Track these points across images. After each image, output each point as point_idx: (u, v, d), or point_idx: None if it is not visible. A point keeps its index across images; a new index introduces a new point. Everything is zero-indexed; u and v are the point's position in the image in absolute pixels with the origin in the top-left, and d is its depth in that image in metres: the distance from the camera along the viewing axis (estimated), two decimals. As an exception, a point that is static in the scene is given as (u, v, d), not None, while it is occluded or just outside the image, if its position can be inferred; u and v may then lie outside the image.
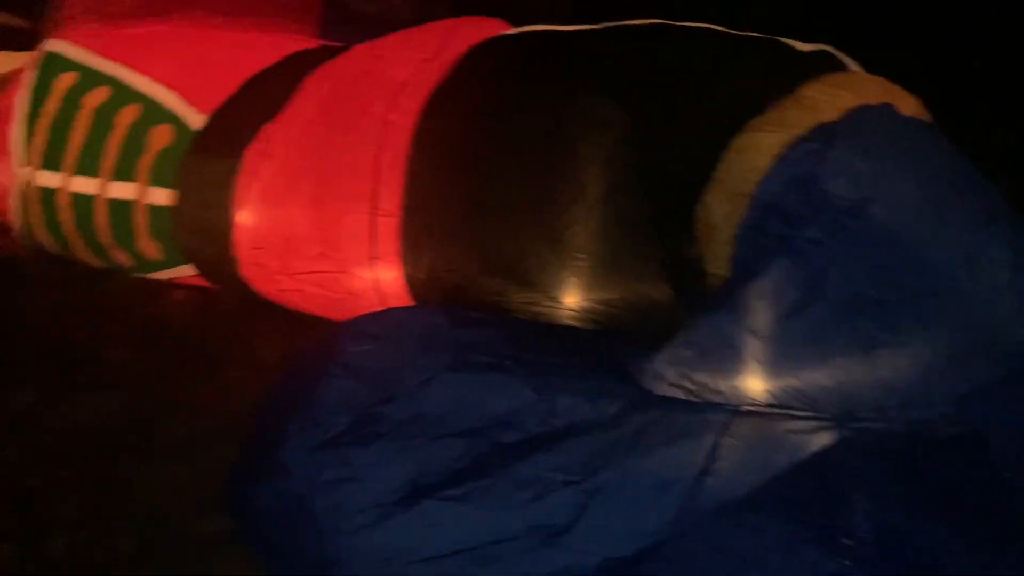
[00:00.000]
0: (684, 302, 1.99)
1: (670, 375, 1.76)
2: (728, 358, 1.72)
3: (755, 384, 1.71)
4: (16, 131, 2.57)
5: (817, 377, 1.69)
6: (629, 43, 2.20)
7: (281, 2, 2.96)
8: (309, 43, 2.68)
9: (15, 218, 2.65)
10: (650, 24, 2.22)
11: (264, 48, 2.59)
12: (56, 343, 2.56)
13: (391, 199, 2.18)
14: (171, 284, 2.69)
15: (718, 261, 1.94)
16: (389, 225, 2.18)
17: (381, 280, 2.22)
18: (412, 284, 2.21)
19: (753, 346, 1.71)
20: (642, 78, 2.12)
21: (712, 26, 2.20)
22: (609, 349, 1.96)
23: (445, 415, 1.79)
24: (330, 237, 2.21)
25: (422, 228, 2.18)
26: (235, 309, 2.63)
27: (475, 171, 2.18)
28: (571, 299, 2.06)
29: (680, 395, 1.75)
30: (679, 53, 2.15)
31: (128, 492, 2.14)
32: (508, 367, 1.84)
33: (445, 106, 2.22)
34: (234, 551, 1.94)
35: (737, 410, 1.70)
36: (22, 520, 2.07)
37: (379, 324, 2.14)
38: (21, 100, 2.59)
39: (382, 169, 2.19)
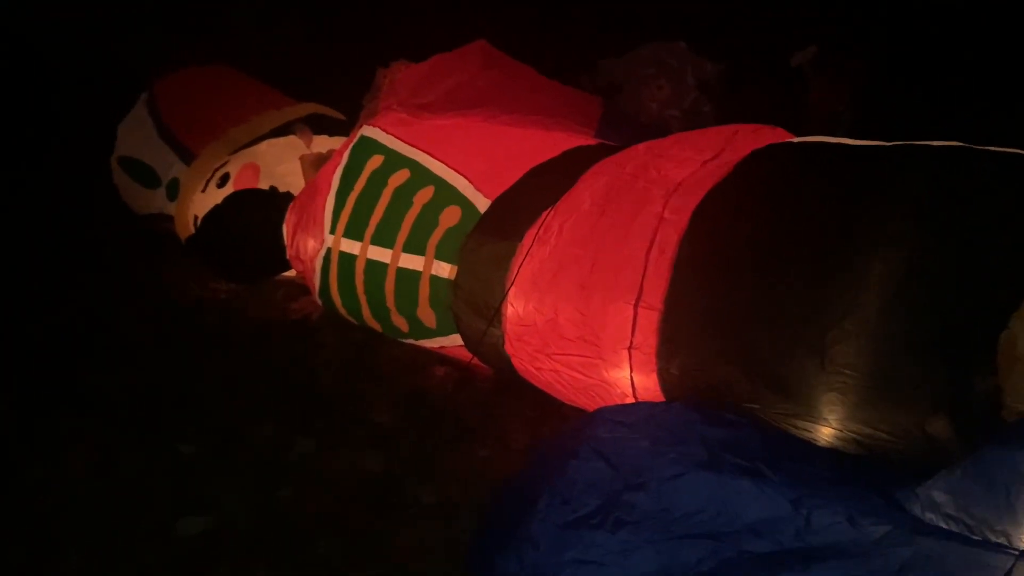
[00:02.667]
0: (965, 439, 1.77)
1: (947, 506, 1.61)
2: (1018, 496, 1.56)
3: (1045, 531, 1.53)
4: (329, 202, 2.95)
5: None
6: (926, 162, 2.07)
7: (566, 105, 3.21)
8: (587, 141, 2.85)
9: (316, 279, 3.01)
10: (949, 146, 2.08)
11: (546, 143, 2.78)
12: (334, 399, 2.86)
13: (654, 293, 2.21)
14: (433, 359, 2.91)
15: (1020, 395, 1.75)
16: (650, 318, 2.20)
17: (636, 371, 2.23)
18: (664, 379, 2.20)
19: (1050, 490, 1.54)
20: (941, 198, 1.98)
21: (1021, 151, 2.02)
22: (871, 471, 1.84)
23: (693, 513, 1.75)
24: (592, 323, 2.27)
25: (681, 325, 2.18)
26: (488, 390, 2.84)
27: (742, 274, 2.14)
28: (833, 417, 1.92)
29: (954, 528, 1.60)
30: (985, 176, 2.00)
31: (378, 544, 2.29)
32: (763, 473, 1.78)
33: (719, 207, 2.23)
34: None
35: (1022, 555, 1.53)
36: (287, 554, 2.27)
37: (630, 414, 2.15)
38: (336, 176, 2.97)
39: (649, 263, 2.23)
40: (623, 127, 3.26)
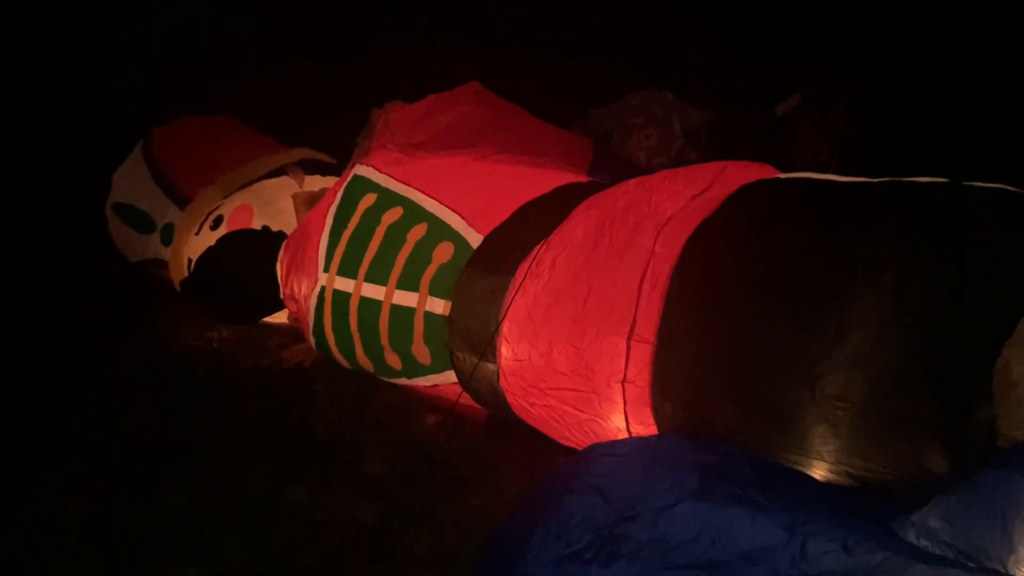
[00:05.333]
0: (963, 471, 1.73)
1: (942, 532, 1.60)
2: (1014, 523, 1.55)
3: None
4: (323, 241, 2.96)
5: None
6: (912, 196, 2.10)
7: (558, 146, 3.26)
8: (578, 178, 2.88)
9: (310, 318, 3.01)
10: (934, 181, 2.11)
11: (538, 180, 2.82)
12: (327, 448, 2.85)
13: (647, 326, 2.21)
14: (426, 406, 2.91)
15: (1014, 422, 1.75)
16: (643, 351, 2.20)
17: (630, 405, 2.23)
18: (658, 412, 2.20)
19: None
20: (927, 229, 2.00)
21: (1005, 187, 2.04)
22: (865, 499, 1.82)
23: (688, 543, 1.74)
24: (586, 357, 2.27)
25: (673, 359, 2.18)
26: (480, 437, 2.83)
27: (733, 307, 2.15)
28: (826, 450, 1.91)
29: (949, 555, 1.58)
30: (971, 209, 2.01)
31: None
32: (756, 500, 1.77)
33: (709, 241, 2.25)
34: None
35: (1018, 583, 1.52)
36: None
37: (624, 446, 2.15)
38: (329, 215, 2.99)
39: (642, 296, 2.24)
40: (613, 168, 3.30)
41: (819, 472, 1.94)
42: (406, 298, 2.70)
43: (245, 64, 5.60)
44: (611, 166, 3.41)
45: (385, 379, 2.97)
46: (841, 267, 2.02)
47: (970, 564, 1.57)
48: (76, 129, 5.27)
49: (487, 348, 2.47)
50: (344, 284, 2.87)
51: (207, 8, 5.72)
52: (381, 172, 2.96)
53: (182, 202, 3.79)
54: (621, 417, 2.25)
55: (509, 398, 2.50)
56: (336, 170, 3.68)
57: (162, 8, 5.78)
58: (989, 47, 4.26)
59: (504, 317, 2.44)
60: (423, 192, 2.84)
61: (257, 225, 3.52)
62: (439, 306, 2.62)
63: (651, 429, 2.22)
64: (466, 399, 2.69)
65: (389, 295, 2.74)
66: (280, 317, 3.55)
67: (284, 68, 5.59)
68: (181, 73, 5.47)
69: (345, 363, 3.05)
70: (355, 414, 3.01)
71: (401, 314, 2.71)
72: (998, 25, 4.20)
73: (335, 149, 3.93)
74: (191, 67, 5.56)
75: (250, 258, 3.36)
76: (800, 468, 1.95)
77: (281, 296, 3.22)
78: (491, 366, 2.49)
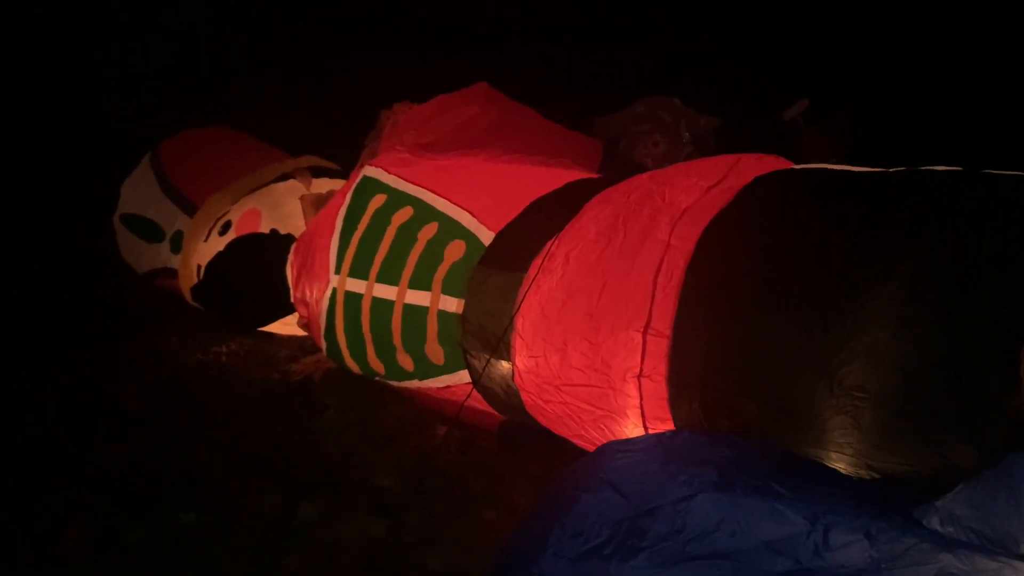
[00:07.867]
0: (989, 464, 1.65)
1: (968, 518, 1.56)
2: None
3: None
4: (333, 244, 2.96)
5: None
6: (929, 187, 2.07)
7: (567, 146, 3.25)
8: (590, 174, 2.88)
9: (321, 320, 3.00)
10: (952, 170, 2.08)
11: (548, 178, 2.81)
12: (337, 464, 2.82)
13: (663, 320, 2.19)
14: (436, 419, 2.91)
15: None
16: (659, 345, 2.18)
17: (646, 400, 2.20)
18: (675, 407, 2.17)
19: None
20: (944, 217, 1.97)
21: (1018, 173, 2.01)
22: (885, 490, 1.79)
23: (708, 533, 1.71)
24: (602, 352, 2.25)
25: (689, 353, 2.15)
26: (491, 450, 2.82)
27: (748, 300, 2.12)
28: (845, 442, 1.87)
29: (975, 541, 1.55)
30: (989, 196, 1.98)
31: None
32: (777, 492, 1.74)
33: (724, 234, 2.22)
34: None
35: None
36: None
37: (639, 443, 2.12)
38: (339, 217, 2.99)
39: (657, 290, 2.21)
40: (624, 168, 3.28)
41: (840, 467, 1.91)
42: (419, 297, 2.69)
43: (236, 83, 5.65)
44: (621, 166, 3.40)
45: (396, 383, 2.95)
46: (856, 259, 1.99)
47: (997, 550, 1.53)
48: (73, 153, 5.32)
49: (500, 345, 2.45)
50: (356, 285, 2.86)
51: (194, 31, 5.80)
52: (390, 173, 2.96)
53: (191, 210, 3.81)
54: (638, 413, 2.23)
55: (524, 396, 2.48)
56: (342, 175, 3.69)
57: (150, 34, 5.86)
58: (993, 47, 4.26)
59: (517, 313, 2.42)
60: (433, 191, 2.84)
61: (265, 229, 3.54)
62: (452, 304, 2.61)
63: (668, 425, 2.20)
64: (478, 401, 2.67)
65: (401, 295, 2.73)
66: (289, 327, 3.54)
67: (277, 83, 5.64)
68: (174, 95, 5.53)
69: (356, 367, 3.03)
70: (366, 428, 2.99)
71: (414, 314, 2.70)
72: (1001, 22, 4.20)
73: (332, 158, 3.94)
74: (183, 89, 5.62)
75: (260, 261, 3.37)
76: (817, 459, 1.92)
77: (291, 300, 3.21)
78: (505, 364, 2.47)
